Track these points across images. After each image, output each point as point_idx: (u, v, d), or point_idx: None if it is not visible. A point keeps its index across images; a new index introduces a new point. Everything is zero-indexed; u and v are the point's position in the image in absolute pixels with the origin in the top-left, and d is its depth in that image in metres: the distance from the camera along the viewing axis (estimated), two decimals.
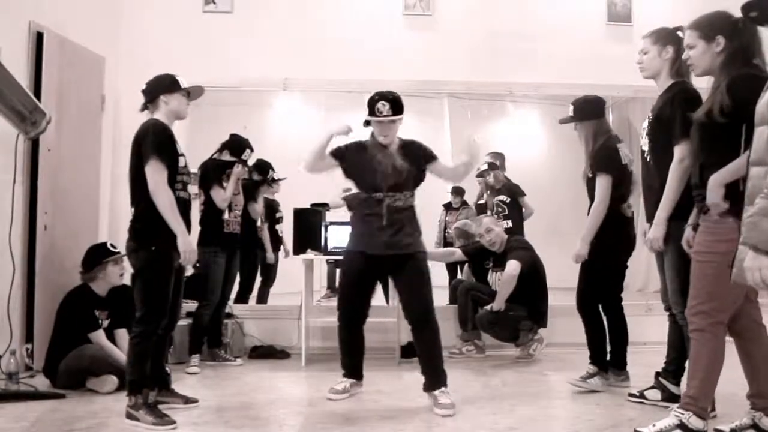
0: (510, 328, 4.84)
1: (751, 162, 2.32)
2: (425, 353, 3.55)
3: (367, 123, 3.59)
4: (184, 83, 3.33)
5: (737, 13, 2.43)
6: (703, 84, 2.92)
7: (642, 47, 3.30)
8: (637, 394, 3.51)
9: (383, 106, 3.51)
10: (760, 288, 2.16)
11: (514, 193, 5.62)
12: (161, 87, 3.29)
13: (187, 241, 3.11)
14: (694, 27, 2.74)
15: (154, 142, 3.13)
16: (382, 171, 3.53)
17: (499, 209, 5.57)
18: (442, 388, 3.44)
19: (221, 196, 4.58)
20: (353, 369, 3.75)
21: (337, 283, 6.89)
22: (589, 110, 3.85)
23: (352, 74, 5.54)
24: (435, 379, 3.48)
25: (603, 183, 3.69)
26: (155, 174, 3.10)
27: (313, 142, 3.60)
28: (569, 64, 5.61)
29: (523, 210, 5.66)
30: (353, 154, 3.62)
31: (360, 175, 3.61)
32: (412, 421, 3.25)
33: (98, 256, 3.96)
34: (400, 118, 3.57)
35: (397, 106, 3.55)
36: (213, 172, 4.64)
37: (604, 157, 3.74)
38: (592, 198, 3.77)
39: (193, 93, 3.40)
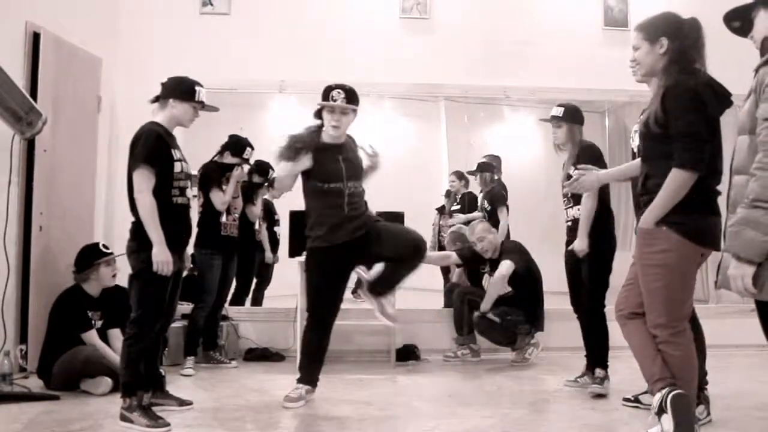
0: (507, 333, 4.84)
1: (733, 170, 2.32)
2: (401, 276, 3.57)
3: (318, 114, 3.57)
4: (202, 96, 3.32)
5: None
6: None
7: None
8: (632, 398, 3.54)
9: (338, 95, 3.51)
10: (743, 295, 2.17)
11: (494, 201, 5.56)
12: (175, 92, 3.28)
13: (162, 251, 3.07)
14: (639, 29, 2.73)
15: (145, 150, 3.13)
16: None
17: (482, 214, 5.57)
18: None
19: (220, 198, 4.58)
20: (315, 376, 3.66)
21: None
22: (579, 116, 4.12)
23: (348, 77, 5.40)
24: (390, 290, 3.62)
25: None
26: (141, 182, 3.11)
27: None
28: (566, 68, 5.63)
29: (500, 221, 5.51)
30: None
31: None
32: (408, 424, 3.25)
33: (90, 257, 3.95)
34: (353, 108, 3.55)
35: (352, 97, 3.54)
36: (213, 175, 4.64)
37: (591, 153, 3.96)
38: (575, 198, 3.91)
39: (206, 108, 3.40)
